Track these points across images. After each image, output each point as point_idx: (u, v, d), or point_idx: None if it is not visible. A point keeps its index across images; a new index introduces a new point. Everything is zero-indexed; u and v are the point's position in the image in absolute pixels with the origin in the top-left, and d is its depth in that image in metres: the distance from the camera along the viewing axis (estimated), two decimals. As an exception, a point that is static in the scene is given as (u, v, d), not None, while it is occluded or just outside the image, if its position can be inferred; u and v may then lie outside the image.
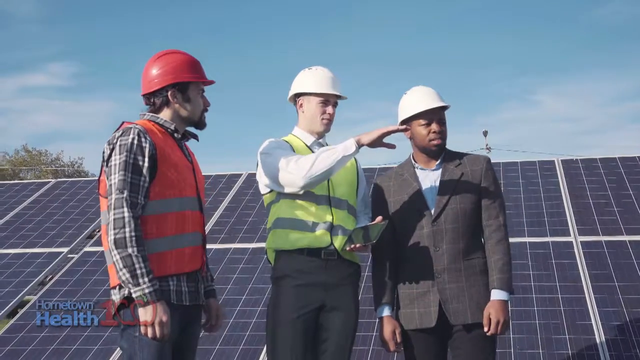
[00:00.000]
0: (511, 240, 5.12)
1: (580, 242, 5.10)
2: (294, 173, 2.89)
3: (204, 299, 2.81)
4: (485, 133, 29.51)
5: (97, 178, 2.72)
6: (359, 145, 2.85)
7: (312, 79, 3.11)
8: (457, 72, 60.83)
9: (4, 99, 52.59)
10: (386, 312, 3.00)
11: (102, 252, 3.10)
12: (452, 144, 3.42)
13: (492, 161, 3.11)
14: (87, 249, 5.94)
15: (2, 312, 5.06)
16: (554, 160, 6.49)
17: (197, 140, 2.88)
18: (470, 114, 60.22)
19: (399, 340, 2.97)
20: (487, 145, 28.99)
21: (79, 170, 32.08)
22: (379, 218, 2.95)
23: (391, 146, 2.89)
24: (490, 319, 2.82)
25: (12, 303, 5.19)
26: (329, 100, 3.10)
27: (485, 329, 2.83)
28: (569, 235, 5.21)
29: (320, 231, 2.95)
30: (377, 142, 2.86)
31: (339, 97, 3.15)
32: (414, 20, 63.41)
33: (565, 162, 6.40)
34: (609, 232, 5.18)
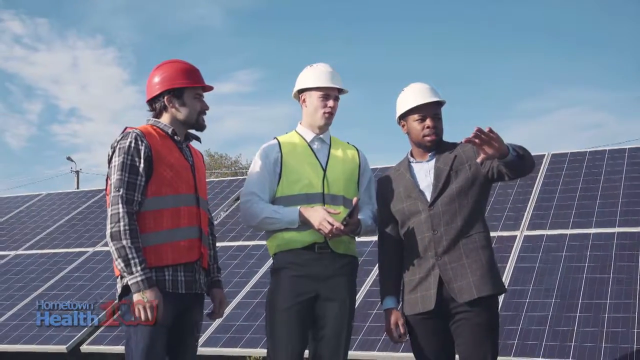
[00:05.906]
0: (598, 230, 4.96)
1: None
2: (244, 214, 3.21)
3: (207, 288, 3.05)
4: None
5: None
6: (303, 223, 3.06)
7: (313, 75, 3.24)
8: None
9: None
10: (390, 304, 3.08)
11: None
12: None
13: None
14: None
15: (100, 301, 5.69)
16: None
17: (200, 142, 3.13)
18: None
19: (402, 331, 3.04)
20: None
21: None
22: (355, 199, 3.06)
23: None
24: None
25: (108, 295, 5.84)
26: (329, 94, 3.22)
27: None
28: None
29: (313, 229, 3.08)
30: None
31: (340, 91, 3.26)
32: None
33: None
34: None
